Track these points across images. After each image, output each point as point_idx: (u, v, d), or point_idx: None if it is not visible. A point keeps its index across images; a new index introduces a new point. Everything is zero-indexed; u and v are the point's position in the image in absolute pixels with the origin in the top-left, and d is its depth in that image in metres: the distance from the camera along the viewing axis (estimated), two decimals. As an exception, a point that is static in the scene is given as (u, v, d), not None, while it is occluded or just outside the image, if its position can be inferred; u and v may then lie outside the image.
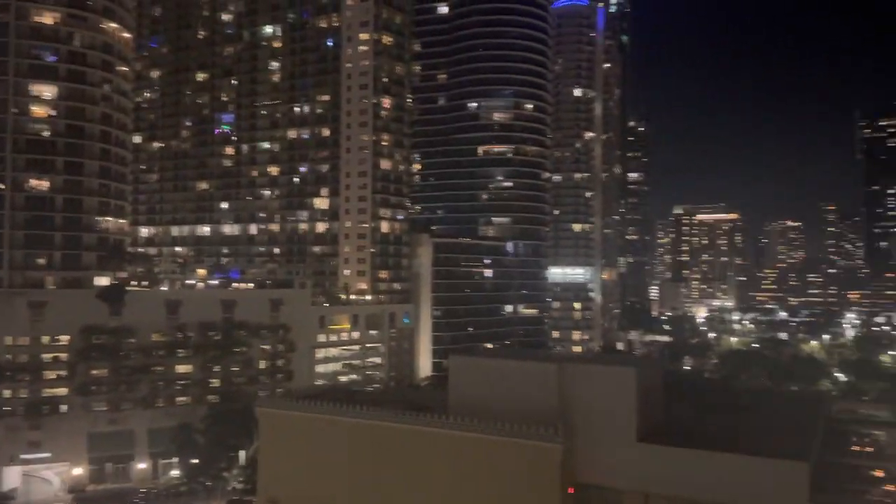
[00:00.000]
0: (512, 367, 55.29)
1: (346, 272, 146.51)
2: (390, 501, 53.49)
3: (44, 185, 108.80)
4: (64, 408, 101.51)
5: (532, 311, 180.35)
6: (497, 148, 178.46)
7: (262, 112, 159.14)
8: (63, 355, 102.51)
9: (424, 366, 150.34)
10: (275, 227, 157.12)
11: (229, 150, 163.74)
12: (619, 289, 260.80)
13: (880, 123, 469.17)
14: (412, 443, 52.84)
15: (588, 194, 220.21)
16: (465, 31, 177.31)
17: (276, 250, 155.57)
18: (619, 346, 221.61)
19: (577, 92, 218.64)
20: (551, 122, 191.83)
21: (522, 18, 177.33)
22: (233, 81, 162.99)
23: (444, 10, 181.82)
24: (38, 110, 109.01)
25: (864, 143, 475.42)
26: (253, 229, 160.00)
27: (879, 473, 52.37)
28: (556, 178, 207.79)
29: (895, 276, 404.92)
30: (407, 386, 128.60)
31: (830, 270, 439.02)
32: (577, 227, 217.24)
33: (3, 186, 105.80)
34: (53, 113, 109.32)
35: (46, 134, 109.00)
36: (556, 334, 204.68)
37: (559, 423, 48.31)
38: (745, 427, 54.63)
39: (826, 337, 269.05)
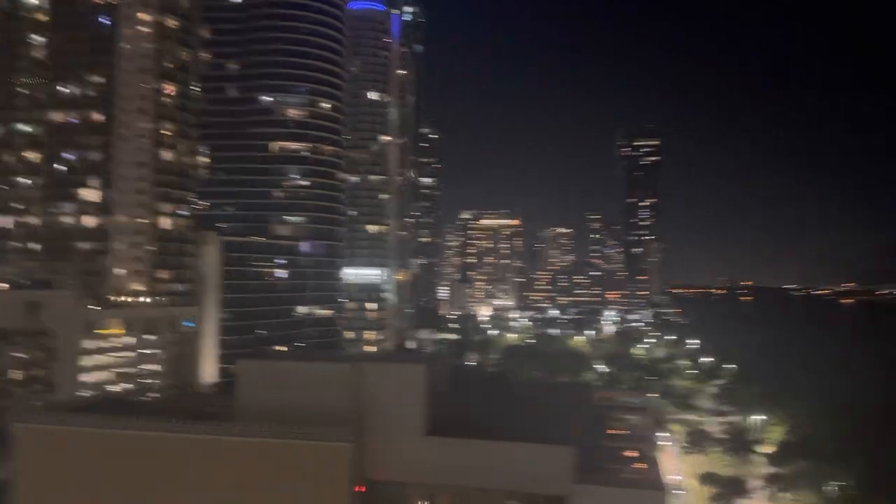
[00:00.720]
0: (303, 369, 54.54)
1: (120, 272, 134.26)
2: (169, 516, 49.94)
3: None
4: None
5: (326, 312, 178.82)
6: (292, 145, 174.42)
7: (20, 90, 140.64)
8: None
9: (210, 371, 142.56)
10: (34, 220, 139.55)
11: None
12: (412, 289, 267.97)
13: (636, 143, 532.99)
14: (194, 452, 49.85)
15: (383, 196, 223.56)
16: (258, 22, 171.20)
17: (36, 247, 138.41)
18: (412, 345, 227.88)
19: (374, 95, 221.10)
20: (347, 123, 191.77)
21: (316, 15, 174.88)
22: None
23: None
24: None
25: (624, 161, 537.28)
26: (7, 222, 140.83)
27: (633, 453, 58.95)
28: (353, 179, 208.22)
29: (646, 278, 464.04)
30: (190, 393, 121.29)
31: (594, 273, 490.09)
32: (372, 228, 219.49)
33: None
34: None
35: None
36: (350, 335, 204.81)
37: (349, 422, 48.47)
38: (522, 416, 58.85)
39: (590, 333, 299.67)
